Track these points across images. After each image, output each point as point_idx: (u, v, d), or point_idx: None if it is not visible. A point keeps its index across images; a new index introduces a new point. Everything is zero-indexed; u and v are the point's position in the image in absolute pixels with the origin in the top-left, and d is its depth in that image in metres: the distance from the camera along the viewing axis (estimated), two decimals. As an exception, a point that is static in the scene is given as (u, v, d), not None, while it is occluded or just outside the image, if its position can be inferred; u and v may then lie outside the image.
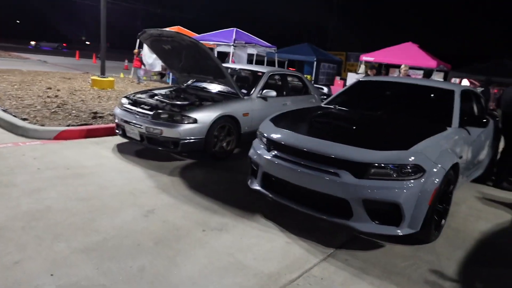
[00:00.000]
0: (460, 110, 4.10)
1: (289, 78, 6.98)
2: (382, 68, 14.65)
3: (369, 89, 4.97)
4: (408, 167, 3.03)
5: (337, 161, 3.15)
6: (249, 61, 15.06)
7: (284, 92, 6.53)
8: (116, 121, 5.35)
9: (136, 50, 14.53)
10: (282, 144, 3.51)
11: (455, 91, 4.36)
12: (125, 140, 5.52)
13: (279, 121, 3.97)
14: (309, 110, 4.56)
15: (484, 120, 4.00)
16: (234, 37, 12.54)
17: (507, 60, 12.60)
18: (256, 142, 3.98)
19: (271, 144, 3.64)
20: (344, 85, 14.74)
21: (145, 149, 5.43)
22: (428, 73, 8.65)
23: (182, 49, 5.46)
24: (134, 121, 5.00)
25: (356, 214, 3.10)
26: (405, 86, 4.79)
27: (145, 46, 14.67)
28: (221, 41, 12.54)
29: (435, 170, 3.11)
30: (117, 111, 5.37)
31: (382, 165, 3.04)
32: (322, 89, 7.95)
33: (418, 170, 3.04)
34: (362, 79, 5.14)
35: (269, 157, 3.56)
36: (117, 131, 5.42)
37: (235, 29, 12.97)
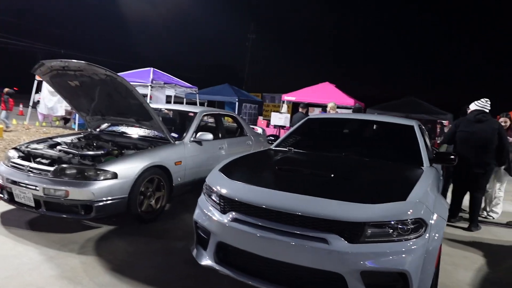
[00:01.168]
0: (426, 147, 3.71)
1: (223, 119, 6.21)
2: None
3: (321, 128, 4.42)
4: (410, 222, 2.38)
5: (324, 223, 2.37)
6: (167, 103, 14.07)
7: (220, 134, 5.70)
8: (0, 181, 3.93)
9: (6, 90, 12.16)
10: (244, 204, 2.63)
11: (414, 126, 4.01)
12: (12, 207, 4.09)
13: (232, 171, 3.11)
14: (262, 155, 3.79)
15: (452, 157, 3.64)
16: (151, 77, 11.52)
17: (414, 98, 13.64)
18: (202, 200, 3.04)
19: (227, 204, 2.74)
20: (268, 125, 14.50)
21: (42, 218, 4.06)
22: (357, 110, 8.73)
23: (94, 86, 4.35)
24: (26, 181, 3.67)
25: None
26: (359, 122, 4.34)
27: (44, 86, 12.80)
28: (136, 81, 11.41)
29: (434, 222, 2.50)
30: (1, 168, 3.98)
31: (380, 223, 2.34)
32: (256, 129, 7.35)
33: (420, 225, 2.40)
34: (312, 117, 4.58)
35: (225, 222, 2.64)
36: (0, 195, 3.98)
37: (152, 68, 11.97)
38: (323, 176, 2.84)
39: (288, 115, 14.29)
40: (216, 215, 2.75)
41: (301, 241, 2.36)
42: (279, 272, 2.49)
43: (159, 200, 4.35)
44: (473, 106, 4.93)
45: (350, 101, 13.79)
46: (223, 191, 2.79)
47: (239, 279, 2.57)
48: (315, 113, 15.78)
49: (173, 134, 4.91)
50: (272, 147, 4.13)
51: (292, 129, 4.42)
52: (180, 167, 4.64)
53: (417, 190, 2.63)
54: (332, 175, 2.79)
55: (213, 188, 2.91)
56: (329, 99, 13.98)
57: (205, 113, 5.48)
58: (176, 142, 4.72)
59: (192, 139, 4.94)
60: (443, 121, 12.19)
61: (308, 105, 9.29)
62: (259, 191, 2.65)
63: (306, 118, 4.55)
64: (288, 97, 14.97)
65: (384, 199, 2.46)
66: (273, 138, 4.51)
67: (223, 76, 30.65)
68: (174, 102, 15.04)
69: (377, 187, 2.73)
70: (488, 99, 4.87)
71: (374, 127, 4.19)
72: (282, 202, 2.50)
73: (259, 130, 7.41)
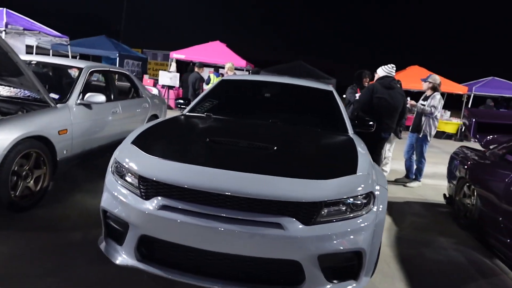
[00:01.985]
0: (345, 113, 3.65)
1: (114, 77, 5.24)
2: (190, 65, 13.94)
3: (238, 91, 3.98)
4: (362, 197, 2.21)
5: (277, 205, 2.03)
6: (28, 55, 11.57)
7: (112, 96, 4.78)
8: None
9: None
10: (175, 187, 2.10)
11: (333, 91, 3.90)
12: None
13: (150, 144, 2.49)
14: (180, 123, 3.19)
15: (371, 123, 3.66)
16: (5, 20, 9.17)
17: (302, 62, 14.12)
18: (111, 182, 2.37)
19: (151, 187, 2.16)
20: (155, 84, 13.35)
21: None
22: (257, 73, 8.47)
23: None
24: None
25: (309, 278, 2.06)
26: (278, 86, 4.04)
27: None
28: (-17, 25, 8.94)
29: (379, 193, 2.40)
30: None
31: (336, 200, 2.11)
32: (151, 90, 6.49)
33: (369, 198, 2.26)
34: (226, 78, 4.10)
35: (150, 210, 2.08)
36: None
37: (4, 9, 9.53)
38: (265, 148, 2.46)
39: (178, 74, 13.37)
40: (136, 202, 2.16)
41: (251, 228, 1.98)
42: (223, 265, 2.10)
43: (40, 180, 3.42)
44: (381, 72, 5.04)
45: (242, 63, 13.54)
46: (144, 171, 2.19)
47: (172, 278, 2.09)
48: (205, 73, 15.14)
49: (53, 95, 3.88)
50: (185, 112, 3.56)
51: (205, 92, 3.87)
52: (65, 137, 3.71)
53: (362, 161, 2.47)
54: (275, 148, 2.44)
55: (128, 167, 2.28)
56: (221, 59, 13.53)
57: (93, 69, 4.48)
58: (58, 105, 3.73)
59: (79, 101, 3.99)
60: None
61: (204, 65, 8.67)
62: (194, 170, 2.14)
63: (220, 80, 4.05)
64: (177, 54, 13.94)
65: (335, 174, 2.23)
66: (182, 101, 3.91)
67: (95, 27, 26.96)
68: (37, 54, 12.52)
69: (322, 160, 2.50)
70: (394, 65, 5.08)
71: (294, 91, 3.94)
72: (225, 183, 2.06)
73: (154, 91, 6.58)
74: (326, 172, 2.24)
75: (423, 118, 5.45)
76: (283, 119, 3.33)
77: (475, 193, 3.67)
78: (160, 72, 13.58)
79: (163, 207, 2.07)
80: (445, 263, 3.17)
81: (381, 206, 2.34)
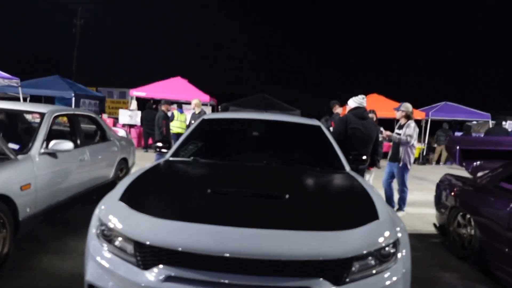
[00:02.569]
0: (339, 148, 3.49)
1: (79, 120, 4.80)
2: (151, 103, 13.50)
3: (222, 130, 3.73)
4: (390, 245, 2.00)
5: (304, 265, 1.76)
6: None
7: (78, 142, 4.35)
8: None
9: None
10: (180, 253, 1.77)
11: (320, 126, 3.76)
12: None
13: (141, 200, 2.15)
14: (168, 171, 2.86)
15: (364, 158, 3.54)
16: None
17: (266, 95, 14.17)
18: (97, 248, 1.99)
19: (150, 255, 1.81)
20: (115, 123, 12.75)
21: None
22: (226, 108, 8.28)
23: None
24: None
25: None
26: (263, 123, 3.83)
27: None
28: None
29: (400, 235, 2.18)
30: None
31: (364, 254, 1.87)
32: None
33: (396, 245, 2.05)
34: (208, 118, 3.83)
35: (154, 283, 1.73)
36: None
37: None
38: (276, 198, 2.20)
39: (139, 113, 12.91)
40: (133, 274, 1.80)
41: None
42: None
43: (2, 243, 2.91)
44: (352, 103, 5.04)
45: (205, 98, 13.36)
46: (140, 235, 1.85)
47: None
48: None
49: (12, 145, 3.41)
50: (168, 157, 3.23)
51: (187, 133, 3.57)
52: (28, 192, 3.24)
53: (379, 203, 2.28)
54: (287, 196, 2.18)
55: (118, 230, 1.93)
56: (183, 95, 13.30)
57: (57, 114, 4.05)
58: (19, 156, 3.27)
59: (42, 150, 3.54)
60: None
61: (172, 103, 8.37)
62: (202, 231, 1.83)
63: (201, 119, 3.78)
64: (138, 92, 13.50)
65: (359, 222, 2.00)
66: (161, 145, 3.58)
67: (47, 68, 25.85)
68: (-17, 97, 11.57)
69: (339, 206, 2.26)
70: (364, 96, 5.10)
71: (281, 128, 3.75)
72: (242, 244, 1.76)
73: (121, 132, 6.15)
74: (349, 220, 2.01)
75: (401, 148, 5.47)
76: (277, 160, 3.10)
77: (473, 223, 3.60)
78: (120, 110, 13.05)
79: (169, 279, 1.73)
80: (460, 302, 3.00)
81: (404, 251, 2.13)
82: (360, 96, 5.06)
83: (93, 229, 2.12)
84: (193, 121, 8.24)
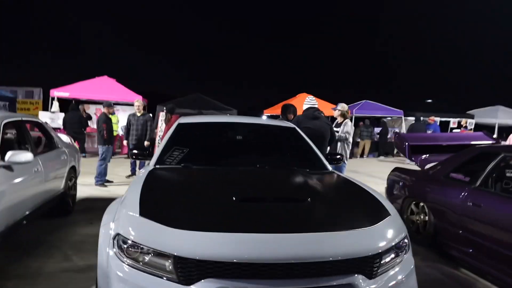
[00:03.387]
0: (317, 149, 3.69)
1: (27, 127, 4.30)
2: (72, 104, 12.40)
3: (203, 135, 3.66)
4: (405, 237, 2.22)
5: (344, 264, 1.88)
6: None
7: (30, 150, 3.90)
8: None
9: None
10: (227, 264, 1.76)
11: (295, 128, 3.92)
12: None
13: (165, 214, 2.05)
14: (173, 180, 2.75)
15: (339, 157, 3.79)
16: None
17: (200, 94, 13.98)
18: (121, 268, 1.87)
19: (195, 269, 1.77)
20: (31, 127, 11.50)
21: None
22: (171, 109, 7.97)
23: None
24: None
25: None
26: (242, 127, 3.86)
27: None
28: None
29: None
30: None
31: (389, 247, 2.06)
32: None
33: (407, 238, 2.28)
34: (184, 122, 3.73)
35: (203, 299, 1.70)
36: None
37: None
38: (298, 200, 2.28)
39: (62, 115, 11.84)
40: (171, 289, 1.74)
41: (324, 296, 1.78)
42: None
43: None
44: (305, 106, 5.38)
45: (137, 97, 12.76)
46: (181, 250, 1.79)
47: None
48: (90, 110, 13.74)
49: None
50: (153, 165, 3.09)
51: (165, 140, 3.44)
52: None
53: (382, 199, 2.50)
54: (309, 199, 2.27)
55: (153, 247, 1.84)
56: (112, 95, 12.52)
57: (7, 121, 3.59)
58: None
59: (-1, 163, 3.14)
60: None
61: (111, 105, 7.85)
62: (245, 240, 1.83)
63: (177, 124, 3.67)
64: (59, 92, 12.35)
65: (377, 218, 2.19)
66: (136, 152, 3.41)
67: None
68: None
69: (354, 205, 2.41)
70: (313, 96, 5.46)
71: (260, 131, 3.83)
72: (286, 249, 1.82)
73: (64, 138, 5.64)
74: (369, 218, 2.17)
75: (339, 144, 5.93)
76: (266, 163, 3.17)
77: (427, 210, 4.08)
78: (41, 113, 11.82)
79: (220, 291, 1.72)
80: (429, 281, 3.39)
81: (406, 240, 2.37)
82: (309, 97, 5.41)
83: (109, 251, 1.98)
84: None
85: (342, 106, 6.08)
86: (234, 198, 2.20)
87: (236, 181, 2.72)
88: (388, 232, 2.10)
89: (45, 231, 4.26)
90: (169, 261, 1.81)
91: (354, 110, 14.65)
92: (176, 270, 1.79)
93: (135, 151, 3.42)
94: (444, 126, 15.85)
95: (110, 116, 7.65)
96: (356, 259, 1.89)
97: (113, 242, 2.01)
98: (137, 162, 8.29)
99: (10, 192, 3.22)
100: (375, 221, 2.14)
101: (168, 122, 7.79)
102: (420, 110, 14.95)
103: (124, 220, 2.03)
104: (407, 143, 4.76)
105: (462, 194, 3.57)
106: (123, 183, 7.70)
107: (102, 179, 7.28)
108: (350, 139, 5.87)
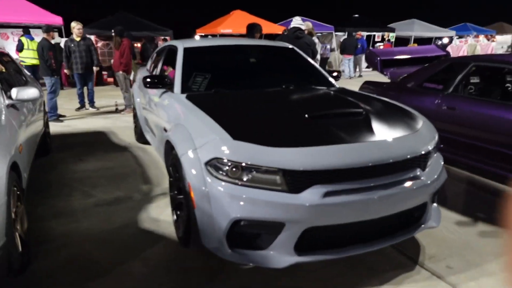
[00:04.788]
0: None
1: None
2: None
3: (218, 59, 3.62)
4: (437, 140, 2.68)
5: (411, 161, 2.29)
6: None
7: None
8: None
9: None
10: (328, 171, 2.04)
11: (294, 48, 4.07)
12: None
13: (257, 135, 2.19)
14: (228, 105, 2.78)
15: (336, 74, 4.08)
16: None
17: (126, 13, 12.65)
18: (232, 188, 2.05)
19: (303, 178, 2.03)
20: None
21: None
22: (120, 32, 7.18)
23: None
24: None
25: (428, 213, 2.47)
26: (251, 49, 3.89)
27: None
28: None
29: None
30: None
31: (433, 147, 2.50)
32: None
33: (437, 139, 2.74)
34: (189, 46, 3.61)
35: (316, 201, 1.99)
36: None
37: None
38: (357, 114, 2.56)
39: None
40: (290, 198, 2.00)
41: (400, 187, 2.19)
42: (371, 229, 2.25)
43: (24, 220, 2.45)
44: (291, 25, 5.45)
45: (57, 20, 11.23)
46: (289, 164, 2.01)
47: (330, 258, 2.13)
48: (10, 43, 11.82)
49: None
50: (179, 92, 3.08)
51: (179, 67, 3.35)
52: (23, 153, 2.69)
53: (409, 108, 2.91)
54: (363, 111, 2.57)
55: (260, 164, 2.03)
56: (28, 17, 10.86)
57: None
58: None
59: (7, 102, 2.85)
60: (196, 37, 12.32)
61: (50, 29, 6.91)
62: (335, 151, 2.10)
63: (183, 49, 3.56)
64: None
65: (417, 124, 2.59)
66: (154, 80, 3.30)
67: None
68: None
69: (393, 113, 2.75)
70: (299, 17, 5.51)
71: (267, 53, 3.89)
72: (368, 155, 2.14)
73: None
74: (412, 124, 2.57)
75: None
76: (288, 83, 3.34)
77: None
78: None
79: (327, 194, 2.02)
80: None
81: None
82: (298, 17, 5.48)
83: (204, 175, 2.12)
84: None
85: (307, 25, 6.22)
86: (306, 116, 2.41)
87: (286, 101, 2.90)
88: (431, 134, 2.55)
89: (41, 172, 4.04)
90: (279, 175, 2.03)
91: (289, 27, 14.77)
92: (286, 182, 2.03)
93: (149, 80, 3.30)
94: (370, 40, 16.89)
95: (51, 42, 6.82)
96: (417, 157, 2.31)
97: (206, 166, 2.14)
98: (85, 93, 7.76)
99: (24, 133, 2.98)
100: (418, 126, 2.55)
101: (118, 46, 7.21)
102: (349, 25, 15.60)
103: (217, 145, 2.14)
104: (378, 58, 5.22)
105: (437, 100, 4.19)
106: (78, 116, 7.23)
107: (55, 113, 6.73)
108: (318, 57, 6.17)
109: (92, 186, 3.69)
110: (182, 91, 3.11)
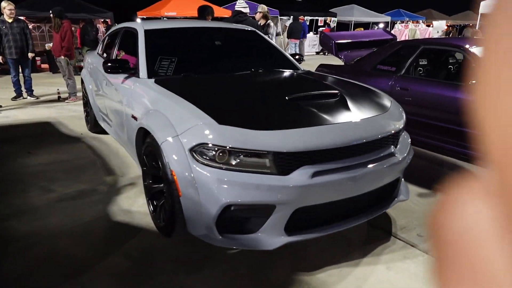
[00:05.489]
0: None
1: None
2: None
3: (181, 42, 3.48)
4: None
5: (386, 139, 2.43)
6: None
7: None
8: None
9: None
10: (314, 152, 2.10)
11: (255, 31, 4.05)
12: None
13: (241, 119, 2.17)
14: (198, 88, 2.70)
15: (297, 57, 4.13)
16: None
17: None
18: (214, 172, 2.03)
19: (292, 160, 2.06)
20: None
21: None
22: (59, 13, 6.55)
23: None
24: None
25: (399, 187, 2.64)
26: (214, 32, 3.77)
27: None
28: None
29: None
30: None
31: (404, 123, 2.66)
32: None
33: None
34: (150, 29, 3.43)
35: (305, 181, 2.04)
36: None
37: None
38: (332, 96, 2.61)
39: None
40: (279, 180, 2.04)
41: (380, 164, 2.32)
42: (349, 207, 2.36)
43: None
44: (236, 7, 5.41)
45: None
46: (276, 145, 2.03)
47: (317, 235, 2.21)
48: None
49: None
50: (145, 77, 2.94)
51: (142, 51, 3.19)
52: None
53: (378, 90, 3.05)
54: (339, 93, 2.63)
55: (247, 148, 2.03)
56: None
57: None
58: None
59: None
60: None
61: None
62: (319, 132, 2.16)
63: (144, 31, 3.38)
64: None
65: (387, 104, 2.73)
66: (111, 65, 3.09)
67: None
68: None
69: (365, 94, 2.86)
70: (244, 0, 5.47)
71: (230, 35, 3.81)
72: (350, 134, 2.24)
73: None
74: (383, 104, 2.70)
75: None
76: (255, 67, 3.33)
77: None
78: None
79: (315, 174, 2.07)
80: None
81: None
82: (241, 1, 5.43)
83: (189, 161, 2.07)
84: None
85: (262, 8, 6.22)
86: (286, 98, 2.43)
87: (261, 84, 2.89)
88: (400, 112, 2.71)
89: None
90: (268, 158, 2.04)
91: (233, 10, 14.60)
92: (275, 164, 2.04)
93: (110, 64, 3.10)
94: (312, 25, 17.27)
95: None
96: (392, 134, 2.45)
97: (191, 153, 2.09)
98: (21, 80, 7.10)
99: None
100: (388, 105, 2.69)
101: (58, 29, 6.64)
102: (293, 10, 15.80)
103: (202, 130, 2.09)
104: (333, 41, 5.36)
105: (391, 81, 4.44)
106: (16, 106, 6.61)
107: (-11, 104, 6.08)
108: (274, 40, 6.19)
109: (49, 180, 3.43)
110: (149, 76, 2.98)
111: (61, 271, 2.16)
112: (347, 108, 2.47)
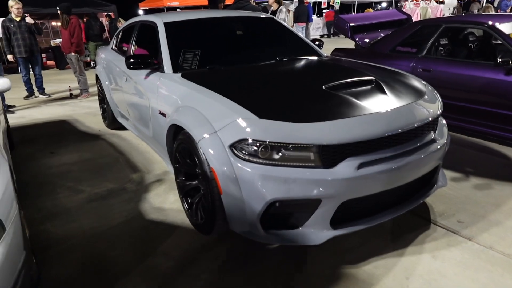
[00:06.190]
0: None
1: None
2: None
3: (204, 34, 3.39)
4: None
5: (428, 125, 2.36)
6: None
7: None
8: None
9: None
10: (359, 143, 2.03)
11: (273, 18, 3.95)
12: None
13: (278, 112, 2.11)
14: (228, 81, 2.65)
15: (318, 43, 4.03)
16: None
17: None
18: (264, 169, 1.97)
19: (336, 152, 2.00)
20: None
21: None
22: (67, 9, 6.48)
23: None
24: None
25: (438, 174, 2.58)
26: (235, 21, 3.67)
27: None
28: None
29: None
30: None
31: (441, 109, 2.58)
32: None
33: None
34: (171, 21, 3.33)
35: (351, 173, 1.99)
36: None
37: None
38: (369, 82, 2.53)
39: None
40: (324, 174, 1.98)
41: (422, 152, 2.24)
42: (393, 197, 2.30)
43: (25, 227, 2.19)
44: None
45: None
46: (322, 138, 1.96)
47: (363, 227, 2.15)
48: None
49: None
50: (170, 71, 2.88)
51: (164, 45, 3.11)
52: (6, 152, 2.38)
53: (412, 75, 2.95)
54: (374, 79, 2.55)
55: (292, 142, 1.96)
56: None
57: None
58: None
59: None
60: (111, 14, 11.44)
61: None
62: (362, 122, 2.08)
63: (164, 24, 3.28)
64: None
65: (424, 90, 2.63)
66: (134, 61, 3.01)
67: None
68: None
69: (400, 80, 2.74)
70: None
71: (251, 24, 3.71)
72: (393, 123, 2.15)
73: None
74: (420, 90, 2.60)
75: None
76: (281, 55, 3.24)
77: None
78: None
79: (361, 166, 2.01)
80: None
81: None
82: None
83: (229, 157, 2.02)
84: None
85: None
86: (323, 87, 2.36)
87: (292, 74, 2.83)
88: (437, 96, 2.62)
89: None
90: (312, 151, 1.98)
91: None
92: (320, 158, 1.99)
93: (133, 60, 3.02)
94: (315, 7, 16.97)
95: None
96: (432, 121, 2.37)
97: (231, 149, 2.04)
98: (32, 79, 7.06)
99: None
100: (424, 89, 2.61)
101: (66, 25, 6.55)
102: (297, -8, 15.47)
103: (243, 126, 2.03)
104: (348, 24, 5.23)
105: (412, 63, 4.33)
106: (29, 105, 6.59)
107: (4, 104, 6.04)
108: (286, 25, 6.06)
109: (76, 180, 3.40)
110: (174, 70, 2.91)
111: (103, 275, 2.14)
112: (385, 95, 2.39)
